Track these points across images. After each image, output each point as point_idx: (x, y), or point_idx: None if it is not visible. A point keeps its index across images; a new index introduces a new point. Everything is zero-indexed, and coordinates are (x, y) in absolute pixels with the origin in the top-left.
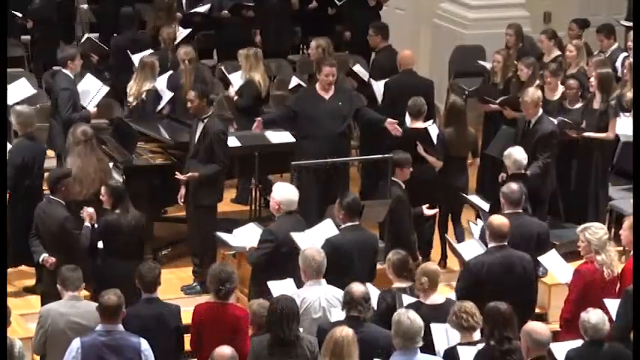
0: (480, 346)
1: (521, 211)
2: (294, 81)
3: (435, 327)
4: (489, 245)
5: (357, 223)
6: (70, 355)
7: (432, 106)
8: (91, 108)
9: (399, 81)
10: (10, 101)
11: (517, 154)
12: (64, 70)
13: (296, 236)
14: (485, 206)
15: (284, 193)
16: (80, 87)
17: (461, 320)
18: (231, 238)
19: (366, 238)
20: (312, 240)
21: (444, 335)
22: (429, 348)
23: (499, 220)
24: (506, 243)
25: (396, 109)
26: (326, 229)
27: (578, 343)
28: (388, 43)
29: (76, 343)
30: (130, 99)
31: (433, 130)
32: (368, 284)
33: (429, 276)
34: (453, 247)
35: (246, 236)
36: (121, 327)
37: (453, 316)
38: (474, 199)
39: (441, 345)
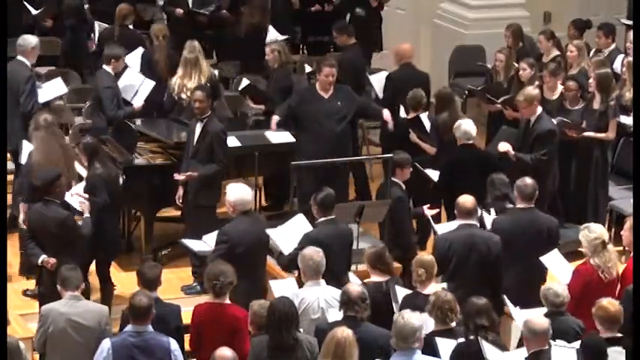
0: (457, 334)
1: (533, 205)
2: (244, 82)
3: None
4: (458, 223)
5: (332, 217)
6: (100, 356)
7: (429, 98)
8: (137, 103)
9: (401, 74)
10: (41, 99)
11: (466, 124)
12: (105, 68)
13: (271, 233)
14: (435, 175)
15: (237, 193)
16: (121, 82)
17: (445, 318)
18: (195, 244)
19: (342, 231)
20: (286, 236)
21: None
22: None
23: (463, 198)
24: (474, 222)
25: (398, 102)
26: (298, 224)
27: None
28: (354, 41)
29: (106, 344)
30: (184, 95)
31: (425, 118)
32: (352, 276)
33: (425, 267)
34: (432, 226)
35: (213, 240)
36: (150, 328)
37: (438, 310)
38: (428, 171)
39: None
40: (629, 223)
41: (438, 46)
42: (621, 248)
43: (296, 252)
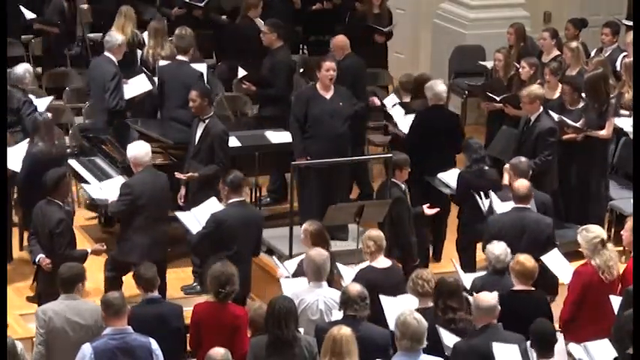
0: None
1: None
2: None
3: (385, 299)
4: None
5: (241, 199)
6: None
7: (364, 83)
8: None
9: (349, 62)
10: (127, 95)
11: (439, 86)
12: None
13: (181, 215)
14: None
15: (133, 149)
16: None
17: (417, 287)
18: (94, 191)
19: (251, 213)
20: (197, 217)
21: (393, 305)
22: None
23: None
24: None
25: (357, 87)
26: (211, 206)
27: (577, 347)
28: (283, 43)
29: (88, 349)
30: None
31: (397, 111)
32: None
33: (374, 239)
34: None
35: (111, 189)
36: (129, 328)
37: (410, 282)
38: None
39: (390, 316)
40: (629, 223)
41: (438, 46)
42: (621, 248)
43: (203, 232)
